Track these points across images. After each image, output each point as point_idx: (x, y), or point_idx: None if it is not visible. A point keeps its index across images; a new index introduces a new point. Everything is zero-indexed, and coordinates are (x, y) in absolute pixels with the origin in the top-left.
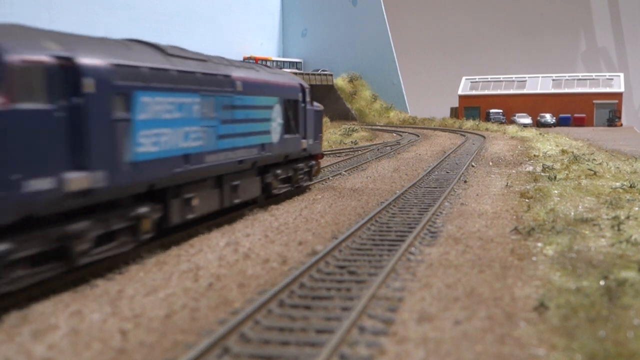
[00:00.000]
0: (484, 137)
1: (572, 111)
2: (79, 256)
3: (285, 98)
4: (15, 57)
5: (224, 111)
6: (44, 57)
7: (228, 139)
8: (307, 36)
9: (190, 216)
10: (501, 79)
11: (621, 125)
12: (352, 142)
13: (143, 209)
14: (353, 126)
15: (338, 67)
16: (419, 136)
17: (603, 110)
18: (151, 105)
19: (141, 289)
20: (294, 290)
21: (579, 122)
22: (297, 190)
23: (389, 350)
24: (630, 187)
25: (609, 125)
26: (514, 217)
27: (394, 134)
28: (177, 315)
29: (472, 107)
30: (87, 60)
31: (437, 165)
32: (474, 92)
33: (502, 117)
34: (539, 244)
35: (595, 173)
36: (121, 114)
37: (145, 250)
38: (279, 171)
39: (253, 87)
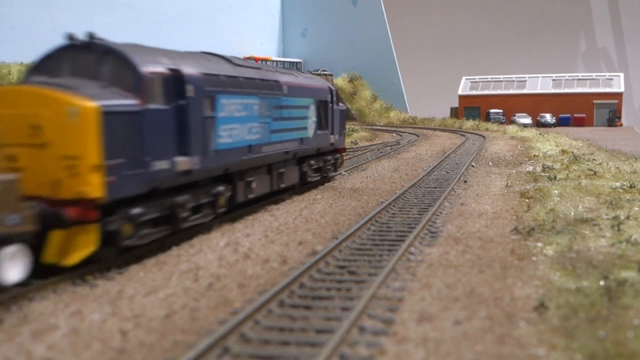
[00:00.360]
0: (484, 137)
1: (572, 111)
2: (182, 221)
3: (318, 99)
4: (146, 69)
5: (275, 110)
6: (162, 69)
7: (277, 134)
8: (307, 36)
9: (250, 196)
10: (501, 79)
11: (621, 125)
12: (352, 142)
13: (220, 188)
14: (353, 126)
15: (338, 67)
16: (419, 136)
17: (603, 110)
18: (227, 106)
19: (141, 289)
20: (294, 290)
21: (579, 122)
22: (324, 179)
23: (389, 350)
24: (630, 187)
25: (609, 125)
26: (514, 217)
27: (394, 134)
28: (177, 315)
29: (472, 107)
30: (188, 70)
31: (437, 165)
32: (474, 92)
33: (502, 117)
34: (539, 244)
35: (595, 173)
36: (208, 112)
37: (146, 250)
38: (312, 162)
39: (295, 90)
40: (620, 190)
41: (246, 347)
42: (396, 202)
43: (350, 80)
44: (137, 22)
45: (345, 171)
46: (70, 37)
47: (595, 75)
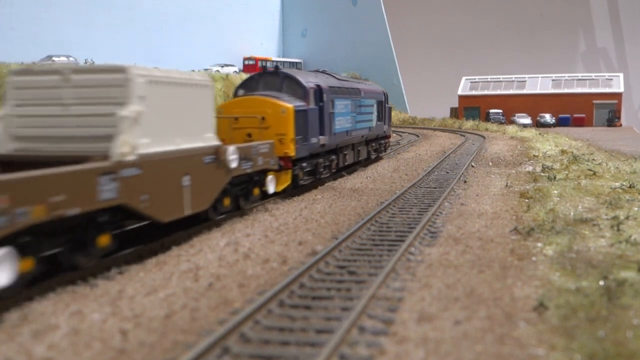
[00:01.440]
0: (484, 137)
1: (571, 111)
2: (319, 174)
3: (377, 100)
4: (307, 85)
5: (357, 108)
6: (313, 85)
7: (358, 123)
8: (307, 36)
9: (345, 163)
10: (501, 79)
11: (621, 125)
12: None
13: (333, 157)
14: None
15: (338, 67)
16: (418, 136)
17: (602, 111)
18: (338, 106)
19: (141, 289)
20: (294, 291)
21: (579, 122)
22: (378, 158)
23: (389, 350)
24: (630, 187)
25: (609, 126)
26: (514, 217)
27: (394, 134)
28: (177, 315)
29: (472, 107)
30: (323, 84)
31: (437, 165)
32: (473, 92)
33: (501, 117)
34: (539, 244)
35: (594, 173)
36: (331, 109)
37: (146, 250)
38: (373, 144)
39: (367, 94)
40: (620, 191)
41: (246, 347)
42: (396, 202)
43: None
44: (137, 22)
45: (345, 171)
46: (264, 67)
47: (595, 76)
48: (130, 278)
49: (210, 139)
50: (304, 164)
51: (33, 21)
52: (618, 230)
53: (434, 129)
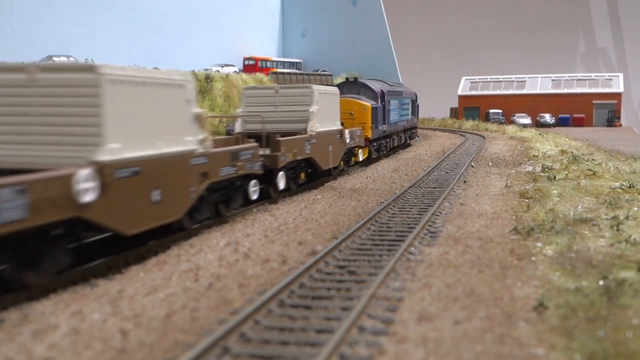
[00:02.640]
0: (484, 137)
1: (571, 111)
2: (381, 151)
3: (411, 99)
4: (377, 91)
5: (400, 105)
6: (379, 90)
7: (401, 117)
8: (307, 36)
9: (393, 145)
10: (501, 79)
11: (620, 125)
12: None
13: (387, 140)
14: None
15: (338, 67)
16: (418, 136)
17: (602, 111)
18: (392, 104)
19: (141, 289)
20: (293, 290)
21: (578, 122)
22: (408, 145)
23: (389, 350)
24: (630, 187)
25: (608, 126)
26: (514, 217)
27: None
28: (177, 315)
29: (472, 107)
30: (384, 89)
31: (436, 165)
32: (473, 93)
33: (501, 117)
34: (539, 244)
35: (594, 173)
36: (388, 107)
37: (146, 250)
38: (408, 132)
39: (406, 95)
40: (620, 190)
41: (246, 347)
42: (396, 202)
43: None
44: (137, 22)
45: (345, 172)
46: (347, 78)
47: (595, 76)
48: (130, 278)
49: (338, 125)
50: (374, 144)
51: (33, 21)
52: (618, 230)
53: (434, 129)
